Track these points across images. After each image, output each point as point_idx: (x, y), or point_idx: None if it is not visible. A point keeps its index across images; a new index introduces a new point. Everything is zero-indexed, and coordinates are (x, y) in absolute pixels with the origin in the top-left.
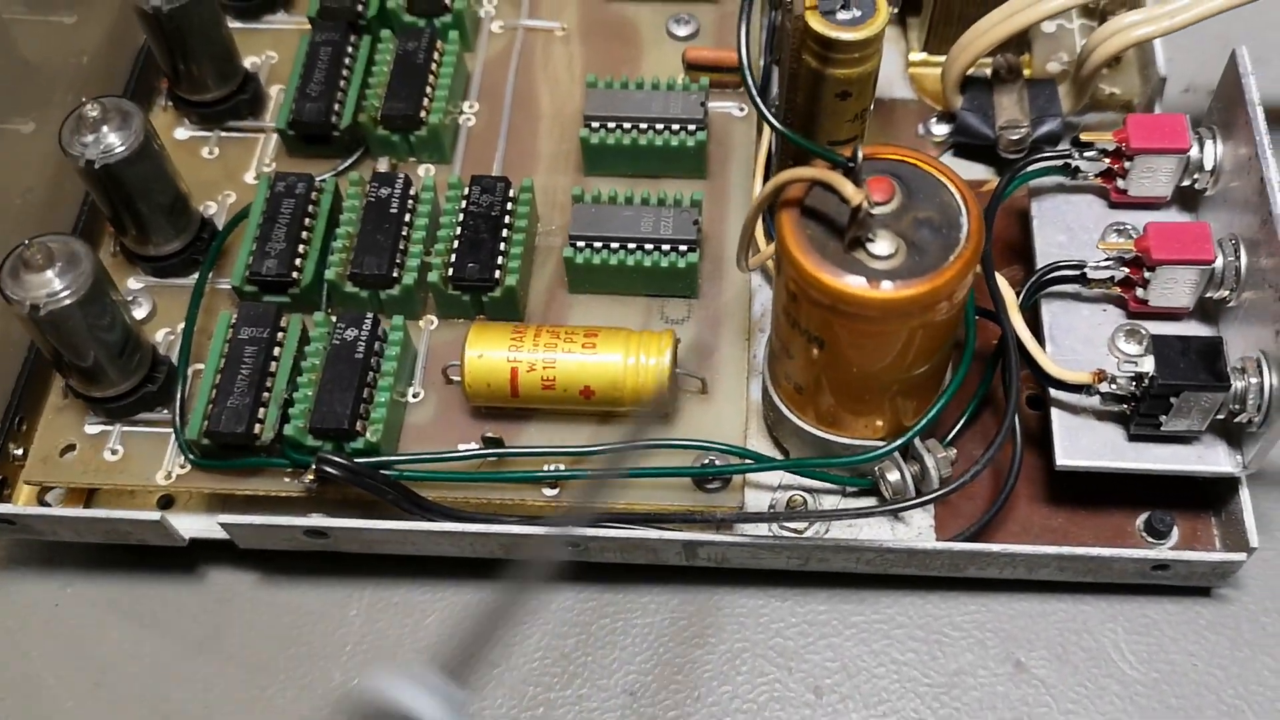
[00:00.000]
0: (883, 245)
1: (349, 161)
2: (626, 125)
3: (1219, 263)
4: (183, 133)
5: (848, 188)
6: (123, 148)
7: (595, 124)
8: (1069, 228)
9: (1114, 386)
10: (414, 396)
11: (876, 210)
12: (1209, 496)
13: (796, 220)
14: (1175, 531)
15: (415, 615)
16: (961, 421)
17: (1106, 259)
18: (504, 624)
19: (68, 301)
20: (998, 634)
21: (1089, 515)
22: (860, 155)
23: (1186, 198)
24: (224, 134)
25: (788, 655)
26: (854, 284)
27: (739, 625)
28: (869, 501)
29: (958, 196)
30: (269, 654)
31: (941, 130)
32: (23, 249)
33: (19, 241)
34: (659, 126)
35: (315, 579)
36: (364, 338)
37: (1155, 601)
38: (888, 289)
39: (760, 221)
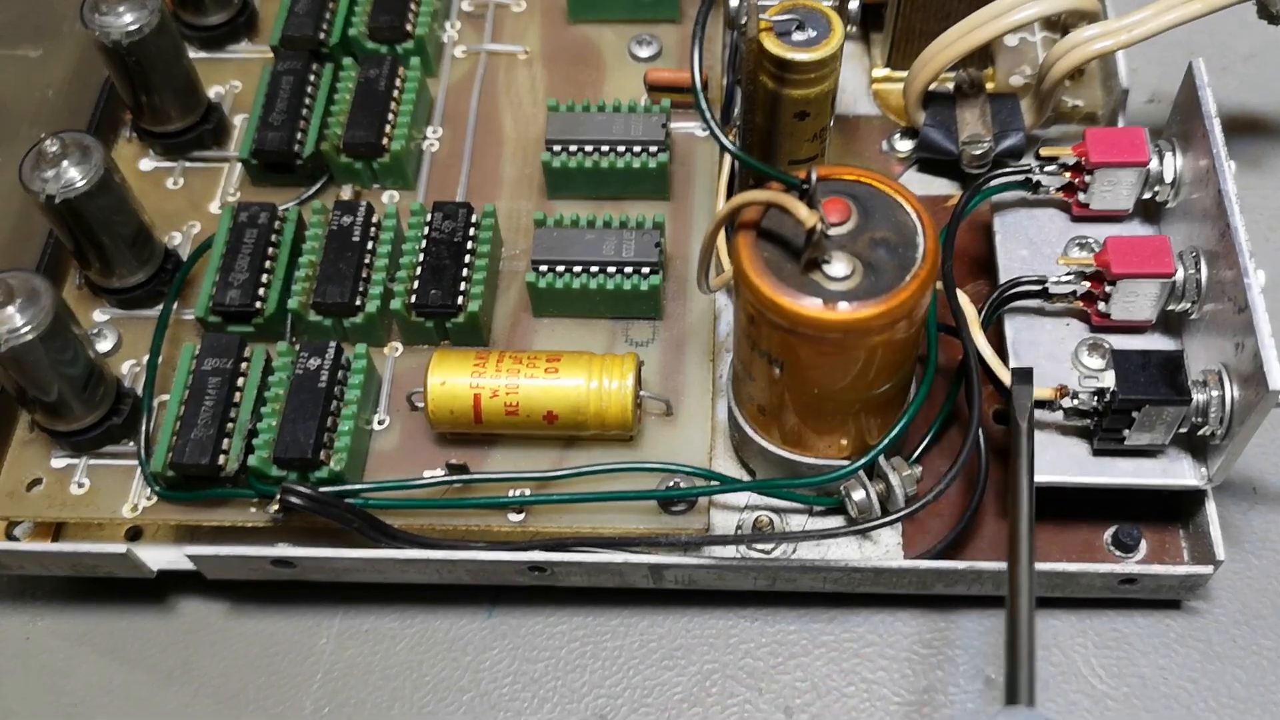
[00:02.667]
0: (839, 266)
1: (313, 190)
2: (589, 148)
3: (1180, 275)
4: (147, 164)
5: (801, 210)
6: (83, 182)
7: (557, 147)
8: (1031, 242)
9: (1076, 401)
10: (379, 424)
11: (832, 231)
12: (1176, 509)
13: (753, 243)
14: (1143, 545)
15: (385, 642)
16: (927, 439)
17: (1068, 274)
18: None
19: (29, 337)
20: (967, 651)
21: (1057, 531)
22: (815, 177)
23: (1148, 210)
24: (188, 164)
25: (758, 676)
26: (810, 306)
27: (708, 647)
28: (836, 521)
29: (914, 216)
30: (240, 683)
31: (905, 146)
32: None
33: None
34: (620, 149)
35: (285, 608)
36: (327, 366)
37: (1125, 615)
38: (844, 310)
39: (722, 239)
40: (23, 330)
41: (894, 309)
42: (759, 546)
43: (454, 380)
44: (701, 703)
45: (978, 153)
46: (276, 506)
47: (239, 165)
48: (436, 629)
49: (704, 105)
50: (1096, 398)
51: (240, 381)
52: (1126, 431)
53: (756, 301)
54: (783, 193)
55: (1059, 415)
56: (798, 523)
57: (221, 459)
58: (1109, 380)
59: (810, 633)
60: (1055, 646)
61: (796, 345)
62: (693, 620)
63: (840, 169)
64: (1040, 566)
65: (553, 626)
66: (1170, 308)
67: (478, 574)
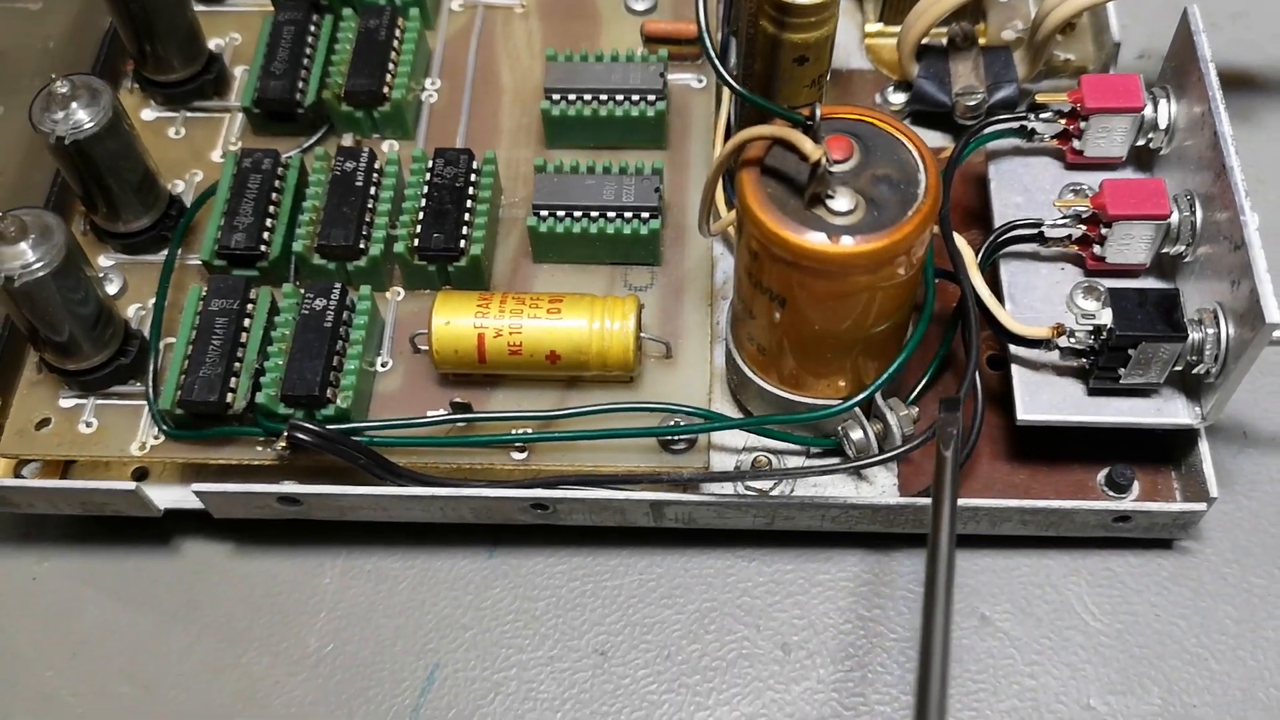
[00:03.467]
0: (842, 201)
1: (314, 139)
2: (587, 97)
3: (1174, 218)
4: (149, 114)
5: (806, 144)
6: (92, 124)
7: (556, 96)
8: (1026, 189)
9: (1073, 340)
10: (382, 366)
11: (835, 168)
12: (1168, 450)
13: (756, 179)
14: (1136, 485)
15: (388, 582)
16: (923, 381)
17: (1063, 217)
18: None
19: (41, 273)
20: (962, 589)
21: (1050, 471)
22: (819, 113)
23: (1141, 157)
24: (190, 114)
25: (755, 613)
26: (814, 240)
27: (706, 585)
28: (832, 462)
29: (915, 154)
30: (245, 622)
31: (898, 99)
32: None
33: None
34: (619, 98)
35: (288, 548)
36: (332, 306)
37: (1117, 555)
38: (848, 244)
39: (720, 189)
40: (35, 266)
41: (897, 243)
42: (757, 484)
43: (458, 320)
44: (700, 639)
45: (971, 104)
46: (284, 444)
47: (240, 115)
48: (438, 569)
49: (709, 44)
50: (1093, 336)
51: (246, 322)
52: (1122, 370)
53: (761, 236)
54: (787, 128)
55: (1055, 355)
56: (794, 463)
57: (229, 397)
58: (1105, 318)
59: (806, 572)
60: (1049, 585)
61: (799, 281)
62: (691, 560)
63: (842, 108)
64: (1036, 504)
65: (553, 566)
66: (1165, 251)
67: (481, 512)
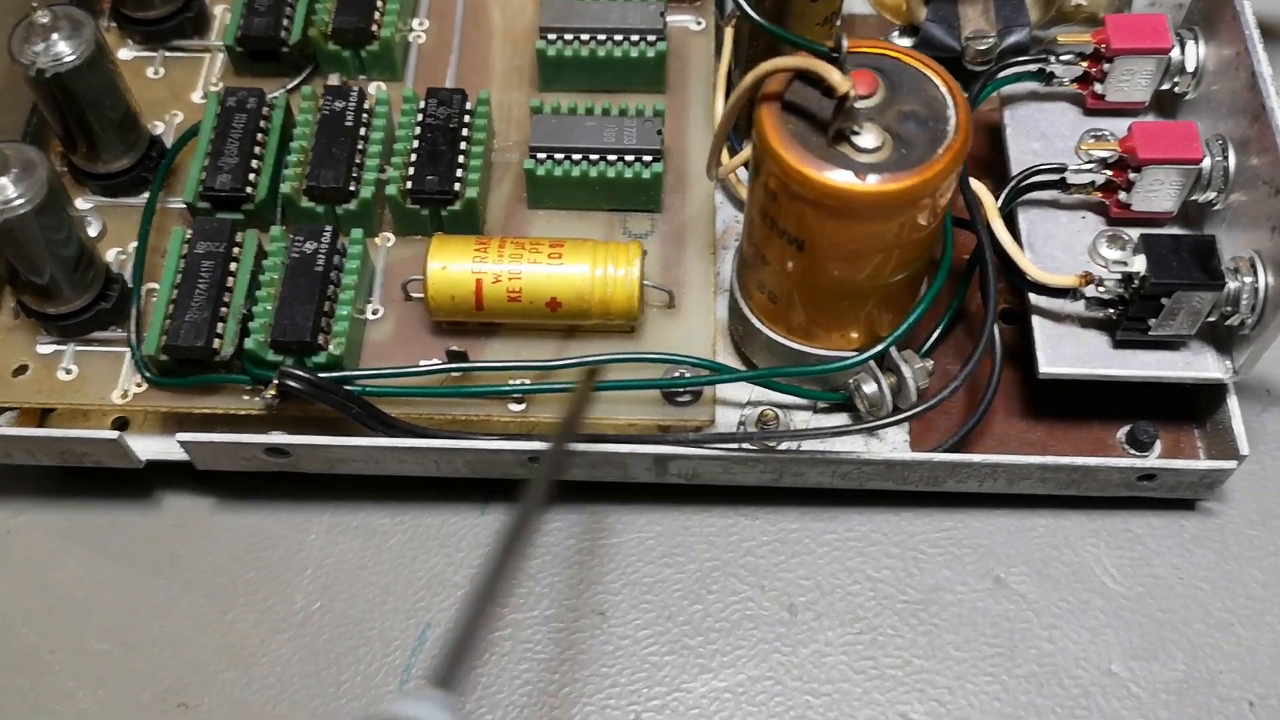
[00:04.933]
0: (869, 138)
1: (298, 79)
2: (584, 37)
3: (1206, 163)
4: (127, 53)
5: (835, 75)
6: (73, 56)
7: (552, 36)
8: (1044, 135)
9: (1101, 290)
10: (373, 314)
11: (860, 104)
12: (1190, 409)
13: (777, 115)
14: (1158, 443)
15: (377, 538)
16: (935, 334)
17: (1088, 162)
18: (484, 622)
19: (23, 210)
20: (975, 550)
21: (1068, 428)
22: (845, 44)
23: (1164, 102)
24: (169, 54)
25: (760, 574)
26: (841, 178)
27: (708, 545)
28: (844, 419)
29: (943, 89)
30: (228, 579)
31: (904, 43)
32: None
33: None
34: (618, 38)
35: (272, 503)
36: (323, 250)
37: (1138, 515)
38: (875, 182)
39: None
40: (16, 202)
41: (928, 181)
42: (768, 443)
43: (455, 266)
44: (703, 599)
45: (982, 48)
46: (273, 392)
47: (220, 55)
48: (428, 525)
49: None
50: (1124, 284)
51: (233, 266)
52: (1152, 321)
53: (782, 175)
54: (815, 59)
55: (1079, 306)
56: (801, 419)
57: (216, 342)
58: (1139, 265)
59: (812, 531)
60: (1066, 546)
61: (821, 221)
62: (691, 518)
63: (865, 42)
64: (1059, 461)
65: (547, 524)
66: (1192, 198)
67: (477, 466)
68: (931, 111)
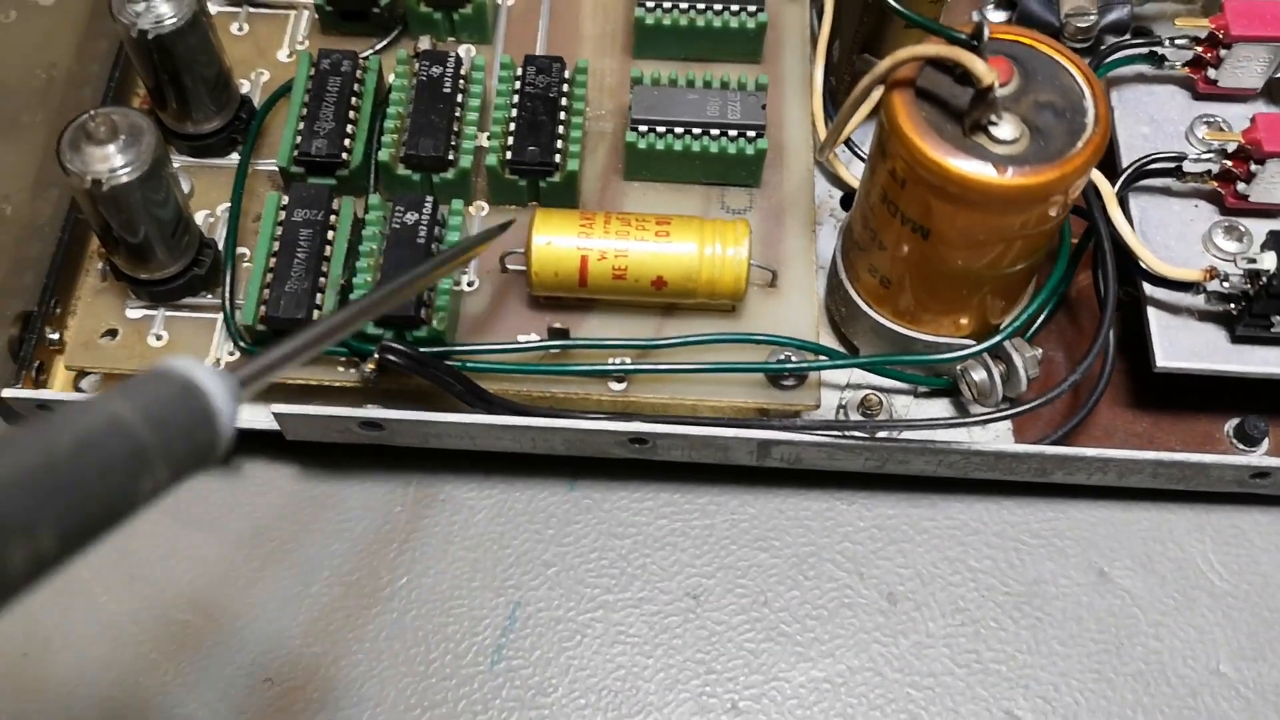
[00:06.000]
0: (1007, 129)
1: (386, 40)
2: (684, 5)
3: None
4: (212, 7)
5: (979, 66)
6: (174, 18)
7: (651, 3)
8: (1153, 119)
9: (1225, 285)
10: (469, 286)
11: (999, 92)
12: None
13: (911, 101)
14: (1266, 439)
15: (464, 512)
16: (1039, 320)
17: (1208, 150)
18: (306, 351)
19: (128, 178)
20: (1078, 542)
21: (1175, 421)
22: (986, 32)
23: (1274, 90)
24: (253, 10)
25: (857, 560)
26: (979, 170)
27: (804, 529)
28: (944, 403)
29: (1079, 79)
30: (312, 550)
31: (998, 17)
32: (86, 120)
33: (79, 114)
34: (717, 7)
35: (356, 474)
36: (424, 222)
37: (1244, 511)
38: (1015, 175)
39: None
40: (123, 171)
41: (1067, 175)
42: (902, 437)
43: (560, 241)
44: (799, 585)
45: (1084, 25)
46: (373, 365)
47: (305, 13)
48: (516, 500)
49: None
50: (1249, 280)
51: (330, 235)
52: (1276, 318)
53: (915, 163)
54: (957, 48)
55: (1199, 299)
56: (901, 403)
57: (315, 314)
58: (1269, 263)
59: (910, 518)
60: (1171, 541)
61: (952, 211)
62: (785, 501)
63: (995, 27)
64: (1173, 457)
65: (638, 502)
66: None
67: (574, 444)
68: (1068, 102)
